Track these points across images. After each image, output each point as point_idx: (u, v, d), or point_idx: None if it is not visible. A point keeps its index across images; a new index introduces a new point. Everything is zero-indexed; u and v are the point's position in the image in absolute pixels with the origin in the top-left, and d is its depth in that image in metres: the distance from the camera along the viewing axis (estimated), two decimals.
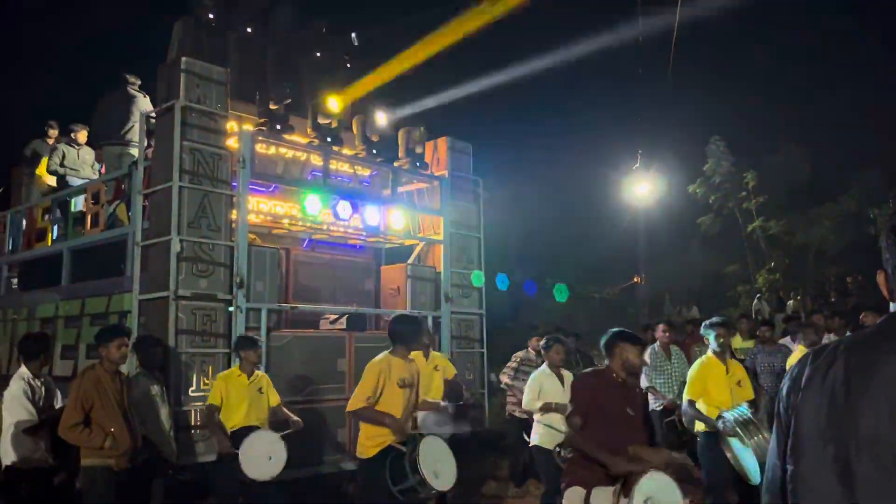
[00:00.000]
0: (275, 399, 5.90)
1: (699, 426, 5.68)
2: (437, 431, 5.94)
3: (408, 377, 4.92)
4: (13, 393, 5.39)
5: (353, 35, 9.37)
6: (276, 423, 5.83)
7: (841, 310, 12.16)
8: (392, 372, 4.80)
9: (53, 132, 10.28)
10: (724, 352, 5.79)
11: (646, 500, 3.60)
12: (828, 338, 8.41)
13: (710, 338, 5.76)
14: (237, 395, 5.59)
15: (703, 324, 6.09)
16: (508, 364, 8.39)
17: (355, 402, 4.72)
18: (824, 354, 1.48)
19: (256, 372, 5.79)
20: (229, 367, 6.32)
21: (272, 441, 5.44)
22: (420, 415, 6.09)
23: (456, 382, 7.00)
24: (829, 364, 1.45)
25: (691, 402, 5.62)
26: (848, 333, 8.44)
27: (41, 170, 10.03)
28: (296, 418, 5.88)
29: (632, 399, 4.22)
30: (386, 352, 4.96)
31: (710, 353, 5.78)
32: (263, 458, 5.33)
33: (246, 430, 5.47)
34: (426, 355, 6.70)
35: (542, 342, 6.72)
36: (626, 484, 3.73)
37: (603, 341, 4.31)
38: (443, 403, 6.26)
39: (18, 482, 5.42)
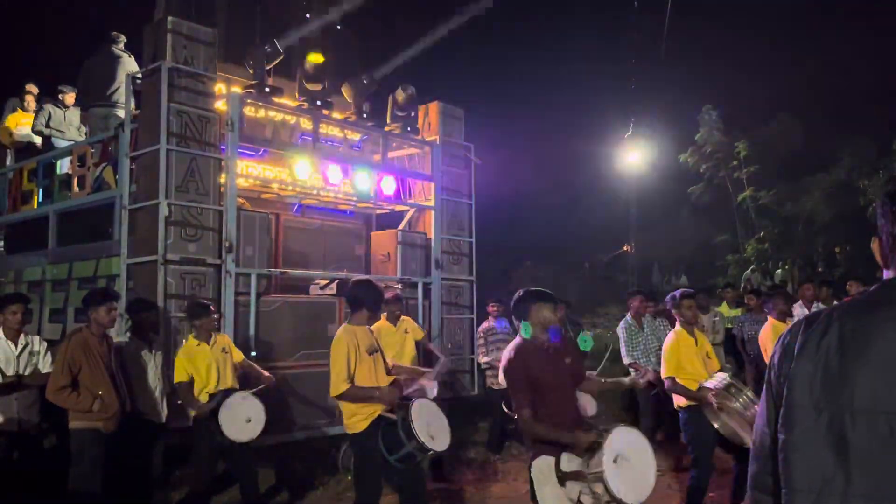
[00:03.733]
0: (238, 356, 5.82)
1: (678, 401, 5.54)
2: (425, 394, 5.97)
3: (374, 343, 4.82)
4: None
5: None
6: (249, 383, 5.81)
7: (828, 279, 12.23)
8: (360, 342, 4.65)
9: (30, 93, 10.09)
10: (693, 324, 5.67)
11: (615, 458, 3.56)
12: (816, 306, 8.48)
13: (677, 311, 5.63)
14: (205, 365, 5.48)
15: (668, 297, 5.90)
16: (478, 341, 8.32)
17: (338, 385, 4.49)
18: (817, 322, 1.46)
19: (214, 336, 5.67)
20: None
21: (251, 403, 5.43)
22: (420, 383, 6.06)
23: (425, 346, 7.02)
24: (822, 332, 1.43)
25: (672, 380, 5.45)
26: (835, 303, 8.51)
27: (10, 121, 9.90)
28: (266, 374, 5.83)
29: (563, 353, 4.02)
30: (345, 324, 4.80)
31: (679, 326, 5.65)
32: (242, 419, 5.34)
33: (224, 393, 5.45)
34: (394, 322, 6.69)
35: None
36: (593, 444, 3.68)
37: (514, 308, 4.08)
38: (429, 380, 6.17)
39: None
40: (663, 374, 5.58)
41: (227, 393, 5.44)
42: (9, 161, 9.78)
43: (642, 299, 8.05)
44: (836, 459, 1.35)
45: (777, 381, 1.50)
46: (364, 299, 4.75)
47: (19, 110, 10.06)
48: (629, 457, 3.63)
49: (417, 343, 6.86)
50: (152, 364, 5.68)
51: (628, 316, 7.99)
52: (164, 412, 5.76)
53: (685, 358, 5.48)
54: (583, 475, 3.66)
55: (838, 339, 1.40)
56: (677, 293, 5.74)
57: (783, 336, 1.53)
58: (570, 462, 3.74)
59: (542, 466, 3.82)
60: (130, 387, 5.33)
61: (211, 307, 5.76)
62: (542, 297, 4.00)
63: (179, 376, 5.45)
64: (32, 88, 10.19)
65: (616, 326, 12.06)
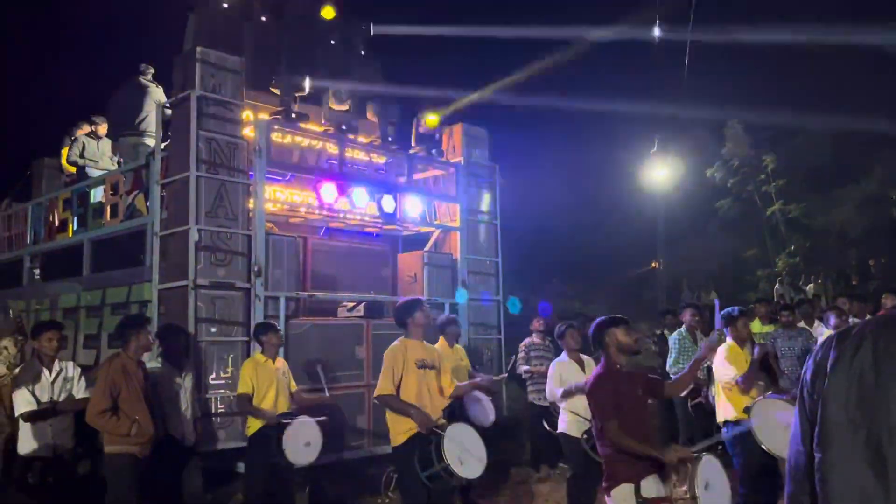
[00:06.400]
0: (293, 385, 6.01)
1: (725, 414, 5.43)
2: (481, 418, 6.05)
3: (427, 359, 4.92)
4: (17, 382, 5.49)
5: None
6: (305, 409, 5.90)
7: (863, 293, 11.99)
8: (408, 354, 4.83)
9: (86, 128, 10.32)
10: (744, 342, 5.63)
11: (706, 485, 3.58)
12: (852, 321, 8.32)
13: (731, 328, 5.55)
14: (266, 381, 5.65)
15: (723, 312, 5.97)
16: (519, 356, 8.32)
17: (382, 387, 4.76)
18: (850, 338, 1.44)
19: (278, 358, 5.88)
20: (248, 355, 6.36)
21: (311, 427, 5.57)
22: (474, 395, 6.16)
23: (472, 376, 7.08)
24: (855, 348, 1.41)
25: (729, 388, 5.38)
26: (868, 316, 8.32)
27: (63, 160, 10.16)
28: (318, 396, 5.98)
29: (638, 381, 4.13)
30: (401, 337, 5.02)
31: (730, 340, 5.60)
32: (302, 443, 5.44)
33: (285, 415, 5.58)
34: (451, 345, 6.75)
35: (556, 329, 6.72)
36: (678, 470, 3.70)
37: (591, 335, 4.25)
38: (483, 380, 6.20)
39: (25, 472, 5.53)
40: (721, 382, 5.54)
41: (288, 416, 5.55)
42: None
43: (693, 312, 8.05)
44: (875, 477, 1.32)
45: (811, 399, 1.48)
46: (395, 316, 5.10)
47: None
48: (714, 485, 3.62)
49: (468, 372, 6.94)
50: (183, 388, 5.75)
51: (683, 328, 8.01)
52: (194, 436, 5.81)
53: (739, 371, 5.43)
54: (669, 500, 3.65)
55: (872, 355, 1.38)
56: (734, 310, 5.76)
57: (815, 352, 1.51)
58: (652, 488, 3.71)
59: (623, 494, 3.78)
60: (163, 411, 5.39)
61: (277, 326, 5.92)
62: (614, 323, 4.13)
63: (244, 387, 5.58)
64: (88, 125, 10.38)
65: (647, 344, 11.93)
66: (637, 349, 4.25)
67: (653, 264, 22.29)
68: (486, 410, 6.44)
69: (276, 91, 7.69)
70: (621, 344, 4.08)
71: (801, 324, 8.94)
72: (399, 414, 4.76)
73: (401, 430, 4.77)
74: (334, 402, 6.94)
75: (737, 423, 5.32)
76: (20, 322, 8.86)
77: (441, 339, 6.69)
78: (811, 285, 18.65)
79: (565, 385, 6.07)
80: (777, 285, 18.21)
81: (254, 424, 5.65)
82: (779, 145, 19.93)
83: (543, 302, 7.82)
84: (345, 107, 7.98)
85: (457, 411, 5.78)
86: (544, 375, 6.85)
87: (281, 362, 5.92)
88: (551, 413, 6.92)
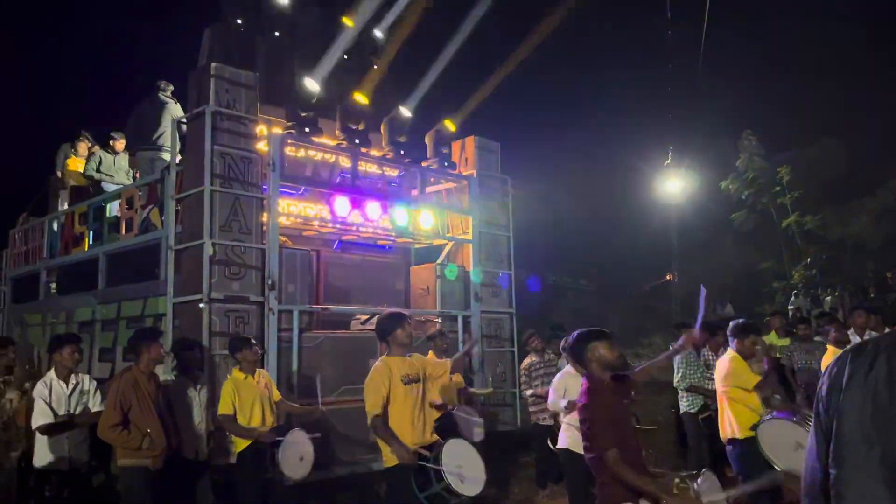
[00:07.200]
0: (277, 395, 5.88)
1: (731, 431, 5.32)
2: (467, 435, 5.94)
3: (412, 373, 4.74)
4: (34, 396, 5.52)
5: (379, 35, 9.40)
6: (302, 424, 5.85)
7: (880, 305, 11.84)
8: (393, 371, 4.64)
9: (83, 144, 10.47)
10: (750, 359, 5.50)
11: (708, 500, 3.54)
12: (868, 335, 8.21)
13: (738, 342, 5.48)
14: (249, 399, 5.53)
15: (731, 324, 5.77)
16: (521, 380, 8.22)
17: (370, 411, 4.55)
18: (865, 352, 1.42)
19: (258, 370, 5.76)
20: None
21: (302, 441, 5.50)
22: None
23: (466, 392, 7.05)
24: (870, 363, 1.40)
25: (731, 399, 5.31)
26: (887, 330, 8.20)
27: (71, 164, 10.30)
28: (308, 407, 5.84)
29: (625, 394, 3.89)
30: (382, 356, 4.84)
31: (733, 351, 5.51)
32: (297, 457, 5.39)
33: (278, 430, 5.52)
34: (439, 356, 6.71)
35: (562, 343, 6.64)
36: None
37: (571, 350, 3.97)
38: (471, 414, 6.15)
39: (42, 485, 5.55)
40: (719, 391, 5.45)
41: (281, 430, 5.51)
42: (64, 205, 10.15)
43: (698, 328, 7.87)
44: (889, 495, 1.30)
45: (826, 415, 1.46)
46: (378, 330, 4.83)
47: (73, 156, 10.47)
48: (716, 499, 3.58)
49: (459, 391, 6.87)
50: (197, 401, 5.75)
51: None
52: (207, 449, 5.81)
53: (743, 383, 5.34)
54: None
55: (887, 371, 1.36)
56: (745, 323, 5.63)
57: (830, 367, 1.49)
58: None
59: None
60: (176, 424, 5.41)
61: (252, 340, 5.84)
62: (596, 336, 3.86)
63: (225, 408, 5.47)
64: (84, 144, 10.58)
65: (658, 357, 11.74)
66: (622, 364, 3.97)
67: (668, 276, 22.16)
68: (474, 427, 6.38)
69: (290, 106, 7.75)
70: (604, 359, 3.78)
71: (818, 337, 8.84)
72: (384, 442, 4.56)
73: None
74: (327, 415, 6.92)
75: (744, 441, 5.22)
76: (33, 368, 8.78)
77: (430, 353, 6.64)
78: (829, 297, 18.46)
79: (569, 396, 5.95)
80: (793, 298, 18.05)
81: (241, 442, 5.54)
82: (794, 156, 19.79)
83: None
84: (358, 123, 8.01)
85: (446, 425, 5.67)
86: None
87: (260, 375, 5.78)
88: (555, 432, 6.85)
